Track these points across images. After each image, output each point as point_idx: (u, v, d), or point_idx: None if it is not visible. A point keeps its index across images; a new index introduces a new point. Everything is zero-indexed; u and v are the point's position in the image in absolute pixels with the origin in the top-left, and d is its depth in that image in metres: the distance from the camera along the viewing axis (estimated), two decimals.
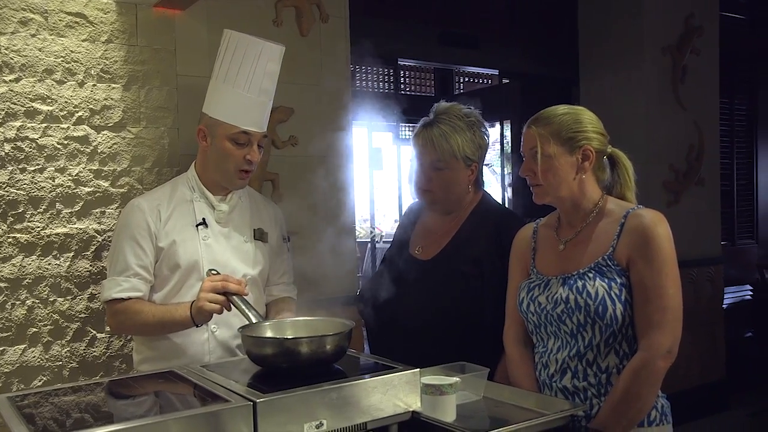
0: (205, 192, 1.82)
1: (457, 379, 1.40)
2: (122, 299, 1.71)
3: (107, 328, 2.05)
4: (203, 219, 1.79)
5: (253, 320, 1.51)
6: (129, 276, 1.72)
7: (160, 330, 1.71)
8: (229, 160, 1.75)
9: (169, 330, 1.71)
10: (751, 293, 5.19)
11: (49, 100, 1.97)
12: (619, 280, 1.49)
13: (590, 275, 1.51)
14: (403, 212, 2.17)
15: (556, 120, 1.56)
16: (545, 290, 1.57)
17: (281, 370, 1.32)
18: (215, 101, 1.77)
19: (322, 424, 1.19)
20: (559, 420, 1.35)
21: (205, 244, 1.77)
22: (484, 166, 1.96)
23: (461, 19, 3.79)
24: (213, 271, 1.67)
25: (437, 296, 1.80)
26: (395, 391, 1.27)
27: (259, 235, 1.87)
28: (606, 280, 1.49)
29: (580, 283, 1.51)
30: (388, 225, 7.05)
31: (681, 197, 3.88)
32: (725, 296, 4.33)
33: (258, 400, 1.14)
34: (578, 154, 1.55)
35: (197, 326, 1.66)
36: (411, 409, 1.30)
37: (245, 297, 1.58)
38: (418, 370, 1.32)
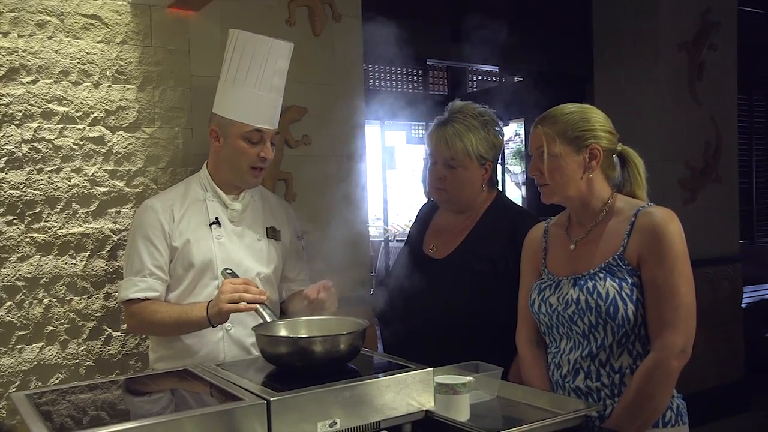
0: (218, 191, 1.83)
1: (471, 378, 1.39)
2: (139, 299, 1.73)
3: (123, 327, 2.07)
4: (216, 218, 1.80)
5: (268, 319, 1.51)
6: (145, 276, 1.73)
7: (176, 330, 1.72)
8: (243, 159, 1.77)
9: (185, 330, 1.72)
10: None
11: (66, 101, 2.00)
12: (630, 280, 1.47)
13: (601, 275, 1.49)
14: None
15: (562, 119, 1.55)
16: (556, 291, 1.56)
17: (295, 369, 1.32)
18: (226, 101, 1.78)
19: (336, 423, 1.19)
20: (573, 420, 1.34)
21: (219, 243, 1.78)
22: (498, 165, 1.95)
23: (473, 17, 3.77)
24: (228, 270, 1.68)
25: (451, 294, 1.79)
26: (409, 390, 1.27)
27: (272, 234, 1.88)
28: (617, 280, 1.48)
29: (590, 284, 1.49)
30: (401, 224, 7.05)
31: (698, 195, 3.83)
32: (744, 295, 4.27)
33: (272, 399, 1.14)
34: (585, 153, 1.53)
35: (213, 326, 1.67)
36: (424, 408, 1.30)
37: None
38: (431, 369, 1.31)
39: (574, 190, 1.55)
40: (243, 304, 1.55)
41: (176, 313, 1.70)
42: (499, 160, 2.05)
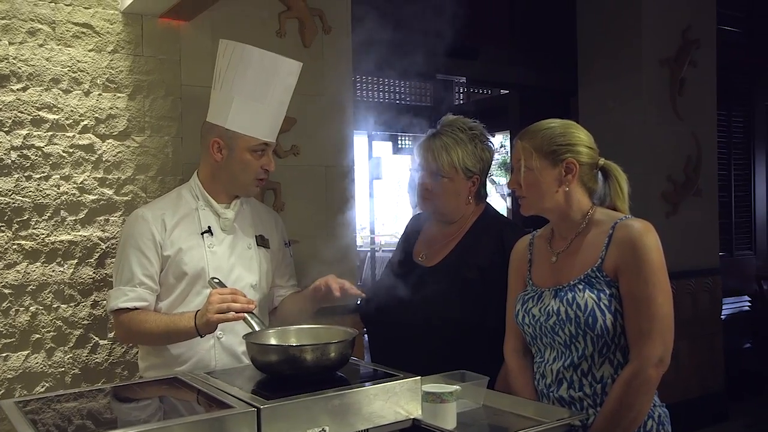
0: (210, 200, 1.84)
1: (458, 387, 1.41)
2: (128, 309, 1.73)
3: (110, 335, 2.06)
4: (208, 227, 1.81)
5: (256, 328, 1.52)
6: (135, 286, 1.73)
7: (165, 340, 1.73)
8: (249, 171, 1.80)
9: (174, 340, 1.72)
10: (750, 304, 5.21)
11: (56, 109, 2.00)
12: (608, 291, 1.50)
13: (580, 287, 1.52)
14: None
15: (540, 134, 1.59)
16: (538, 302, 1.59)
17: (285, 377, 1.33)
18: (233, 114, 1.77)
19: (325, 431, 1.20)
20: (557, 428, 1.36)
21: (211, 252, 1.79)
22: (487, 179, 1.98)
23: (462, 31, 3.83)
24: (215, 280, 1.69)
25: (440, 302, 1.81)
26: (396, 399, 1.29)
27: (261, 242, 1.90)
28: (595, 292, 1.51)
29: (570, 295, 1.52)
30: (387, 234, 7.07)
31: (679, 208, 3.90)
32: (723, 307, 4.35)
33: (262, 407, 1.15)
34: (561, 167, 1.57)
35: (201, 336, 1.67)
36: (412, 417, 1.31)
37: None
38: (419, 378, 1.33)
39: (550, 202, 1.59)
40: (231, 314, 1.56)
41: (165, 323, 1.70)
42: (492, 174, 2.07)
